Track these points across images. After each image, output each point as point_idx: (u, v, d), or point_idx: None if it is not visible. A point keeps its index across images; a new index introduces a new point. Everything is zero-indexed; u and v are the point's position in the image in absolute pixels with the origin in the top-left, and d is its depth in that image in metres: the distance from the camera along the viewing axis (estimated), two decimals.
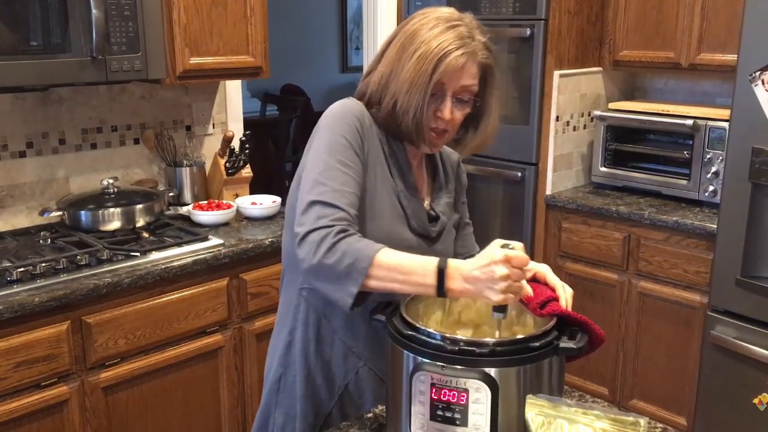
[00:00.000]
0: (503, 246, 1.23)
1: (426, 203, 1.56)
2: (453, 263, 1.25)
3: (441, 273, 1.24)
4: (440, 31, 1.41)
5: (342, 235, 1.29)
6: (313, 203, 1.33)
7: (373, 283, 1.27)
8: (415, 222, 1.50)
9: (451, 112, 1.44)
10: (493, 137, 1.56)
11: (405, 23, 1.48)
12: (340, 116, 1.44)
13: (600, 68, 3.47)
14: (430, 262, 1.26)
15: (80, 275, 2.17)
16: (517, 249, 1.23)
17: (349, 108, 1.46)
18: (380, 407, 1.48)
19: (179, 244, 2.43)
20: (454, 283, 1.24)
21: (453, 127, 1.48)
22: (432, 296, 1.28)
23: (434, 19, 1.43)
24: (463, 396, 1.16)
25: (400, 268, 1.26)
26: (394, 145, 1.50)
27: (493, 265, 1.19)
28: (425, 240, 1.52)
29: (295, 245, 1.34)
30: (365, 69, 1.55)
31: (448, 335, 1.19)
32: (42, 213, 2.50)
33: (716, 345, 2.72)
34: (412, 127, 1.43)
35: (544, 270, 1.39)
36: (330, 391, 1.54)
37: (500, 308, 1.25)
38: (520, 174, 3.40)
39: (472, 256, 1.42)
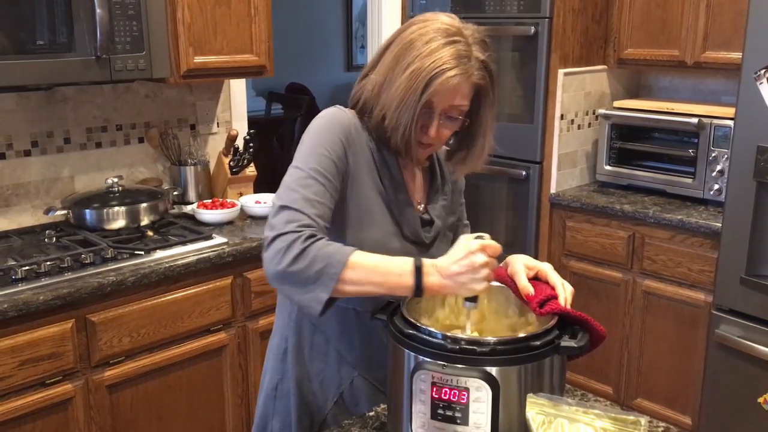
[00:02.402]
0: (476, 238, 1.25)
1: (421, 207, 1.54)
2: (428, 261, 1.26)
3: (418, 271, 1.24)
4: (436, 46, 1.35)
5: (312, 240, 1.27)
6: (283, 208, 1.31)
7: (347, 288, 1.26)
8: (408, 230, 1.48)
9: (437, 130, 1.41)
10: (486, 159, 1.52)
11: (404, 27, 1.43)
12: (325, 127, 1.42)
13: (605, 66, 3.46)
14: (406, 262, 1.26)
15: (85, 274, 2.18)
16: (487, 239, 1.25)
17: (337, 118, 1.44)
18: (382, 406, 1.48)
19: (183, 243, 2.44)
20: (431, 280, 1.24)
21: (439, 142, 1.46)
22: (408, 296, 1.29)
23: (433, 31, 1.37)
24: (464, 395, 1.16)
25: (376, 269, 1.26)
26: (385, 152, 1.47)
27: (471, 255, 1.22)
28: (419, 247, 1.50)
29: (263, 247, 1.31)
30: (363, 70, 1.51)
31: (449, 334, 1.19)
32: (47, 212, 2.51)
33: (721, 344, 2.71)
34: (401, 143, 1.41)
35: (545, 268, 1.39)
36: (324, 399, 1.54)
37: (472, 298, 1.27)
38: (524, 172, 3.40)
39: None
